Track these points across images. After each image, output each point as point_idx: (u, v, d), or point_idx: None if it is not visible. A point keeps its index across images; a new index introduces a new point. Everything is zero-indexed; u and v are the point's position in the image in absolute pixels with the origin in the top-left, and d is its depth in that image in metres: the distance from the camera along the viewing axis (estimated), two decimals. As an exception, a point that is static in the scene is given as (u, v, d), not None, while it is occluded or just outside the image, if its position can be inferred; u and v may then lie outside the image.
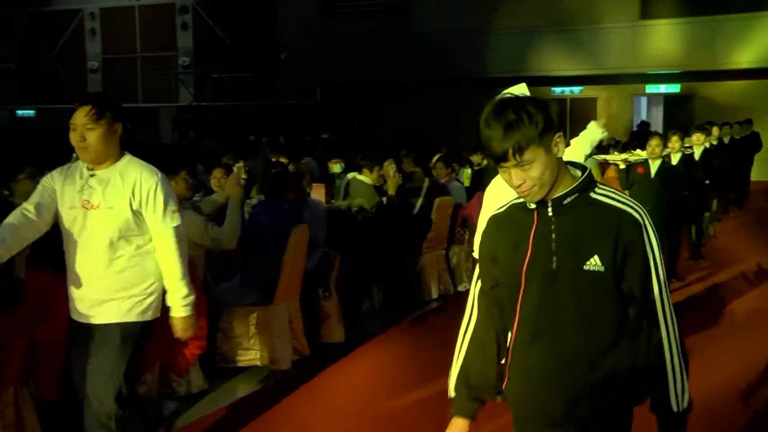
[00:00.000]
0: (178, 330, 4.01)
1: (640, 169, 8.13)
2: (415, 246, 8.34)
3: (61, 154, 7.13)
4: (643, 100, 24.00)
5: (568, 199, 2.33)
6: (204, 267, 5.87)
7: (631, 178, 8.19)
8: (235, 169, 6.59)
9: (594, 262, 2.28)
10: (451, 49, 21.97)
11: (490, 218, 2.54)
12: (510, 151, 2.21)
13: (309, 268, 6.40)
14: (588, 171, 2.40)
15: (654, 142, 8.09)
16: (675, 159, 9.00)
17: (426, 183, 8.66)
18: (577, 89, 23.43)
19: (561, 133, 2.29)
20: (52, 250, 3.99)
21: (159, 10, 29.84)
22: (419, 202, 8.45)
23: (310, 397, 5.65)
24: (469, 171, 11.15)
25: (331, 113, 24.85)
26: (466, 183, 10.48)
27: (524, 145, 2.20)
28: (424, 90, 23.48)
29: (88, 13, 31.00)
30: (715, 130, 13.01)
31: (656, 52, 20.66)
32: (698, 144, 10.61)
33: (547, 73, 21.78)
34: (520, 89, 4.24)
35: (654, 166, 8.08)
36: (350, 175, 8.77)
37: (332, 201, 8.73)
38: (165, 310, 3.96)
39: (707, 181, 10.18)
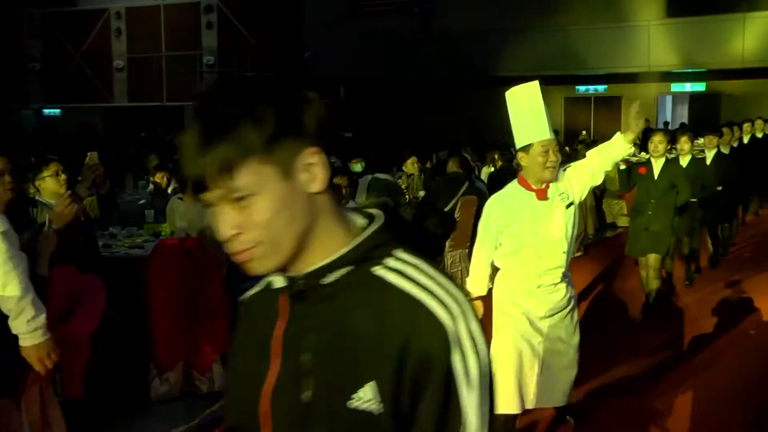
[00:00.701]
0: (34, 361, 3.23)
1: (642, 170, 7.39)
2: (438, 244, 8.33)
3: (85, 153, 7.19)
4: (669, 99, 23.83)
5: (332, 277, 1.30)
6: (227, 264, 5.90)
7: (633, 179, 7.51)
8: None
9: (364, 396, 1.24)
10: (476, 48, 21.93)
11: (240, 302, 1.54)
12: (209, 172, 1.20)
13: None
14: (381, 224, 1.35)
15: (657, 139, 7.33)
16: (684, 162, 8.20)
17: (465, 185, 8.63)
18: (601, 87, 23.32)
19: (319, 150, 1.26)
20: (77, 248, 3.99)
21: (184, 9, 29.99)
22: (452, 202, 8.45)
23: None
24: (491, 170, 11.12)
25: (354, 111, 24.90)
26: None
27: (235, 161, 1.19)
28: (449, 88, 23.47)
29: (114, 13, 31.22)
30: (736, 131, 11.66)
31: (681, 51, 20.50)
32: (710, 147, 9.50)
33: (571, 71, 21.72)
34: (532, 87, 4.13)
35: (657, 165, 7.30)
36: (371, 175, 8.78)
37: (355, 200, 8.75)
38: (183, 302, 3.89)
39: (719, 188, 9.12)
